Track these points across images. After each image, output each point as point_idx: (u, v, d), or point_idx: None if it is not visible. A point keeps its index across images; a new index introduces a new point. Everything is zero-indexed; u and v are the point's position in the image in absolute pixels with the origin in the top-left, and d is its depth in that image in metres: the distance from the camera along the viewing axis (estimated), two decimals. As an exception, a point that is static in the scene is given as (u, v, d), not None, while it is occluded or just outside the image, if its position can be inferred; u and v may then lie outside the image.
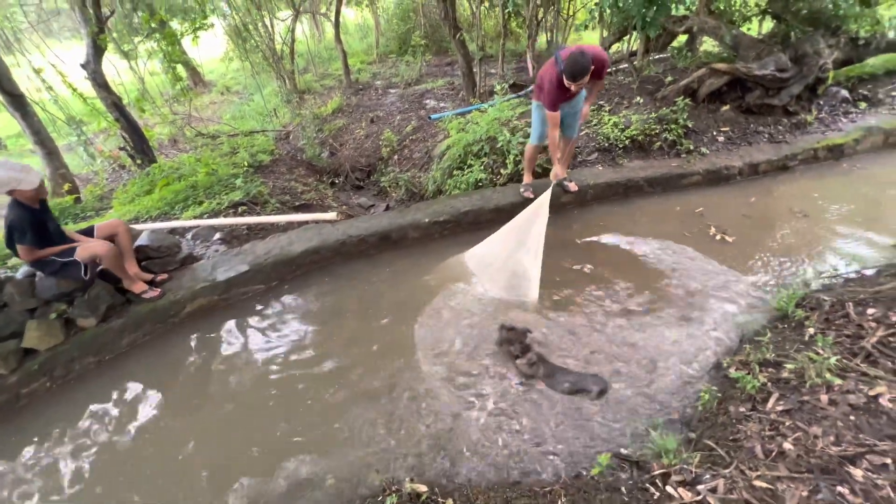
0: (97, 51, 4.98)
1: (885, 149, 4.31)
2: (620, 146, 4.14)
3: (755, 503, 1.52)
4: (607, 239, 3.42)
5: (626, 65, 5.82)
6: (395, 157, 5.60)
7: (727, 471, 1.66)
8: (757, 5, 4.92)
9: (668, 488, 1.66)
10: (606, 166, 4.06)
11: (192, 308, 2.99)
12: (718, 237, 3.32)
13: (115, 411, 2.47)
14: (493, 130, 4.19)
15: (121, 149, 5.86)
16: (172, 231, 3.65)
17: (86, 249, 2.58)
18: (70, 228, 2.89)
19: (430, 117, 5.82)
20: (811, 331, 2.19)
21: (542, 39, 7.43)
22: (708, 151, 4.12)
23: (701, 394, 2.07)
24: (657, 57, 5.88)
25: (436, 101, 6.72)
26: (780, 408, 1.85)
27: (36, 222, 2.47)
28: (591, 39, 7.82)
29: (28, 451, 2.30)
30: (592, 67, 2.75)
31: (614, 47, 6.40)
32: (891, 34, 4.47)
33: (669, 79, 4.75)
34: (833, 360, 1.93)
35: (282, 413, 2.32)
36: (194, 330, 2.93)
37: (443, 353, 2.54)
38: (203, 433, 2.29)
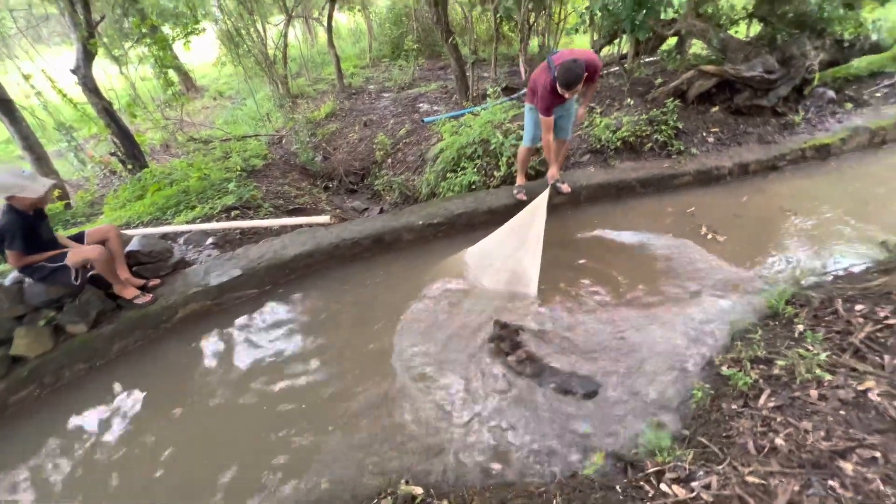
0: (87, 56, 4.95)
1: (870, 148, 4.38)
2: (612, 147, 4.17)
3: (748, 499, 1.53)
4: (600, 239, 3.45)
5: (617, 67, 5.89)
6: (389, 160, 5.60)
7: (720, 467, 1.67)
8: (744, 9, 4.99)
9: (663, 486, 1.67)
10: (598, 167, 4.09)
11: (185, 313, 2.97)
12: (710, 236, 3.36)
13: (105, 419, 2.44)
14: (486, 133, 4.21)
15: (112, 154, 5.81)
16: (164, 236, 3.63)
17: (77, 254, 2.56)
18: (60, 234, 2.86)
19: (423, 120, 5.84)
20: (801, 327, 2.22)
21: (534, 43, 7.49)
22: (698, 152, 4.16)
23: (694, 391, 2.08)
24: (647, 60, 5.95)
25: (429, 104, 6.75)
26: (771, 404, 1.87)
27: (27, 228, 2.44)
28: (581, 42, 7.89)
29: (15, 460, 2.26)
30: (585, 74, 2.78)
31: (605, 50, 6.47)
32: (874, 36, 4.56)
33: (659, 81, 4.81)
34: (823, 356, 1.95)
35: (276, 417, 2.31)
36: (187, 335, 2.91)
37: (437, 354, 2.54)
38: (196, 439, 2.27)
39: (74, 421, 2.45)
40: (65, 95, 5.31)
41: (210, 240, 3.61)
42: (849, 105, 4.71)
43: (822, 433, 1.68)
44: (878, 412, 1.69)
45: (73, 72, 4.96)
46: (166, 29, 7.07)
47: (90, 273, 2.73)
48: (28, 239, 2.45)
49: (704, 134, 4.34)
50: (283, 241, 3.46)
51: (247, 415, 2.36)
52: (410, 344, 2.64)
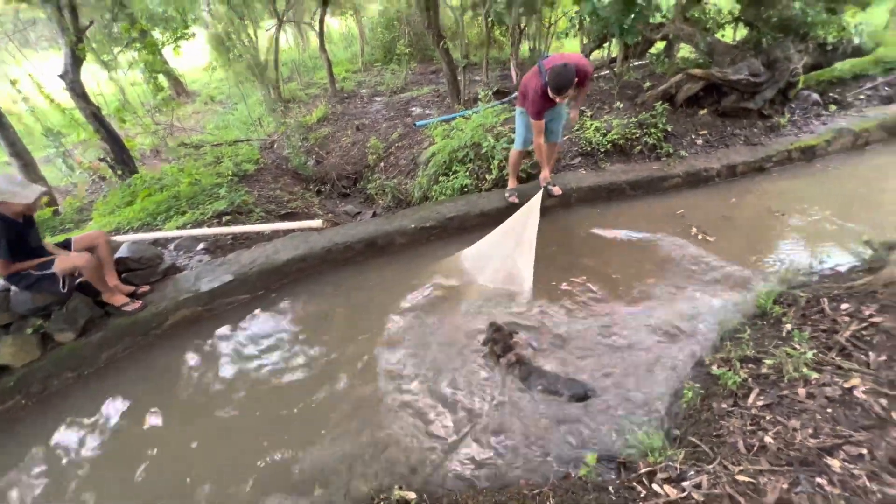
0: (75, 61, 4.91)
1: (854, 149, 4.47)
2: (602, 150, 4.21)
3: (738, 497, 1.54)
4: (592, 241, 3.48)
5: (607, 71, 5.95)
6: (382, 164, 5.60)
7: (711, 466, 1.68)
8: (730, 13, 5.08)
9: (654, 486, 1.68)
10: (589, 170, 4.13)
11: (175, 320, 2.94)
12: (700, 237, 3.40)
13: (93, 428, 2.40)
14: (478, 137, 4.24)
15: (101, 160, 5.76)
16: (155, 242, 3.60)
17: (65, 261, 2.53)
18: (47, 242, 2.82)
19: (415, 124, 5.85)
20: (788, 326, 2.25)
21: (524, 47, 7.55)
22: (687, 154, 4.22)
23: (685, 391, 2.10)
24: (637, 63, 6.02)
25: (421, 108, 6.76)
26: (760, 403, 1.89)
27: (13, 236, 2.41)
28: (572, 46, 7.97)
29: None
30: (576, 79, 2.81)
31: (595, 54, 6.53)
32: (856, 40, 4.65)
33: (648, 84, 4.87)
34: (809, 354, 1.98)
35: (267, 423, 2.29)
36: (177, 342, 2.88)
37: (430, 357, 2.54)
38: (187, 446, 2.24)
39: (62, 431, 2.41)
40: (52, 101, 5.25)
41: (201, 245, 3.59)
42: (833, 107, 4.80)
43: (810, 431, 1.70)
44: (864, 409, 1.71)
45: (61, 77, 4.92)
46: (156, 34, 7.05)
47: (78, 280, 2.70)
48: (14, 247, 2.42)
49: (693, 136, 4.40)
50: (276, 246, 3.44)
51: (238, 421, 2.34)
52: (404, 348, 2.63)
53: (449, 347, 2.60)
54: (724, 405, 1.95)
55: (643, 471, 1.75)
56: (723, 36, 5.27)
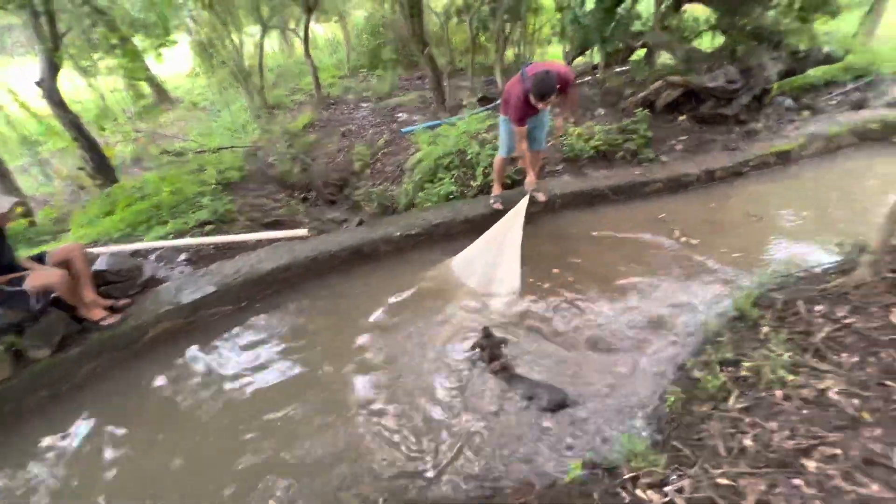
0: (52, 68, 4.81)
1: (827, 153, 4.61)
2: (585, 156, 4.28)
3: (719, 501, 1.57)
4: (577, 246, 3.52)
5: (590, 77, 6.05)
6: (368, 170, 5.59)
7: (692, 470, 1.71)
8: (707, 22, 5.22)
9: (638, 491, 1.69)
10: (573, 176, 4.18)
11: (156, 333, 2.88)
12: (683, 240, 3.46)
13: (69, 447, 2.33)
14: (463, 143, 4.26)
15: (80, 168, 5.64)
16: (135, 253, 3.53)
17: (36, 278, 2.46)
18: (22, 255, 2.75)
19: (401, 131, 5.86)
20: (766, 329, 2.30)
21: (509, 53, 7.63)
22: (667, 160, 4.31)
23: (667, 395, 2.13)
24: (619, 69, 6.14)
25: (407, 114, 6.77)
26: (739, 405, 1.93)
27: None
28: (555, 52, 8.08)
29: (-28, 496, 2.15)
30: (558, 86, 2.85)
31: (578, 60, 6.64)
32: (826, 48, 4.82)
33: (629, 91, 4.97)
34: (786, 356, 2.02)
35: (252, 438, 2.25)
36: (158, 356, 2.82)
37: (417, 365, 2.53)
38: (169, 463, 2.19)
39: (36, 451, 2.33)
40: (28, 109, 5.13)
41: (183, 256, 3.53)
42: (806, 113, 4.95)
43: (787, 432, 1.74)
44: (838, 410, 1.76)
45: (38, 84, 4.81)
46: (137, 41, 6.94)
47: (53, 295, 2.62)
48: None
49: (673, 142, 4.50)
50: (260, 256, 3.41)
51: (222, 435, 2.30)
52: (390, 356, 2.62)
53: (435, 354, 2.60)
54: (704, 408, 1.99)
55: (627, 476, 1.77)
56: (700, 44, 5.41)
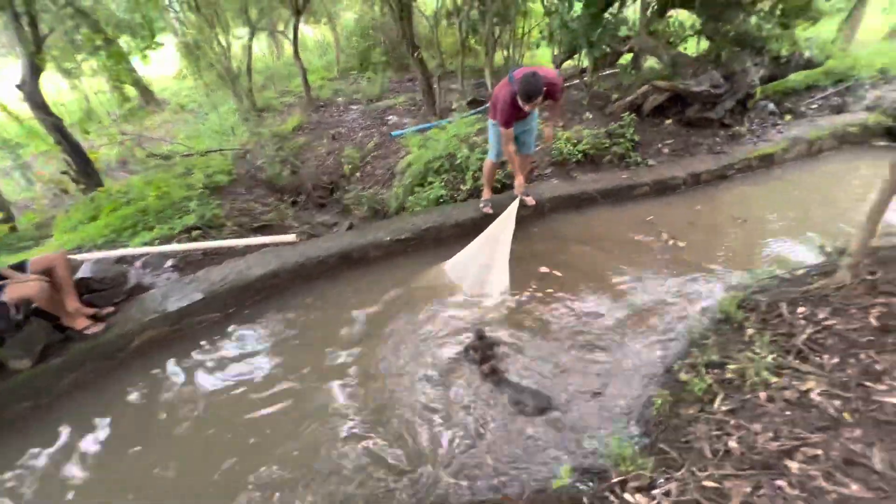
0: (34, 70, 4.72)
1: (809, 157, 4.72)
2: (573, 160, 4.32)
3: (704, 503, 1.59)
4: (567, 249, 3.54)
5: (578, 81, 6.11)
6: (358, 174, 5.57)
7: (679, 473, 1.73)
8: (692, 27, 5.30)
9: (626, 495, 1.71)
10: (562, 180, 4.22)
11: (141, 341, 2.83)
12: (671, 243, 3.51)
13: (51, 460, 2.28)
14: (453, 147, 4.27)
15: (63, 173, 5.53)
16: (120, 260, 3.47)
17: (14, 291, 2.39)
18: (2, 262, 2.69)
19: (391, 135, 5.85)
20: (750, 331, 2.34)
21: (499, 56, 7.67)
22: (654, 163, 4.36)
23: (655, 398, 2.16)
24: (607, 73, 6.21)
25: (398, 117, 6.77)
26: (725, 407, 1.96)
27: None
28: (544, 55, 8.15)
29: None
30: (545, 89, 2.87)
31: (566, 64, 6.70)
32: (807, 53, 4.93)
33: (616, 95, 5.03)
34: (770, 358, 2.06)
35: (240, 448, 2.23)
36: (144, 365, 2.77)
37: (407, 371, 2.52)
38: (153, 475, 2.16)
39: (15, 465, 2.27)
40: (8, 111, 5.02)
41: (169, 262, 3.48)
42: (788, 117, 5.06)
43: (771, 434, 1.77)
44: (820, 411, 1.80)
45: (19, 87, 4.71)
46: (122, 42, 6.84)
47: (35, 305, 2.57)
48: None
49: (659, 145, 4.56)
50: (248, 262, 3.37)
51: (209, 446, 2.27)
52: (380, 362, 2.61)
53: (426, 359, 2.59)
54: (691, 411, 2.02)
55: (615, 480, 1.79)
56: (685, 49, 5.50)
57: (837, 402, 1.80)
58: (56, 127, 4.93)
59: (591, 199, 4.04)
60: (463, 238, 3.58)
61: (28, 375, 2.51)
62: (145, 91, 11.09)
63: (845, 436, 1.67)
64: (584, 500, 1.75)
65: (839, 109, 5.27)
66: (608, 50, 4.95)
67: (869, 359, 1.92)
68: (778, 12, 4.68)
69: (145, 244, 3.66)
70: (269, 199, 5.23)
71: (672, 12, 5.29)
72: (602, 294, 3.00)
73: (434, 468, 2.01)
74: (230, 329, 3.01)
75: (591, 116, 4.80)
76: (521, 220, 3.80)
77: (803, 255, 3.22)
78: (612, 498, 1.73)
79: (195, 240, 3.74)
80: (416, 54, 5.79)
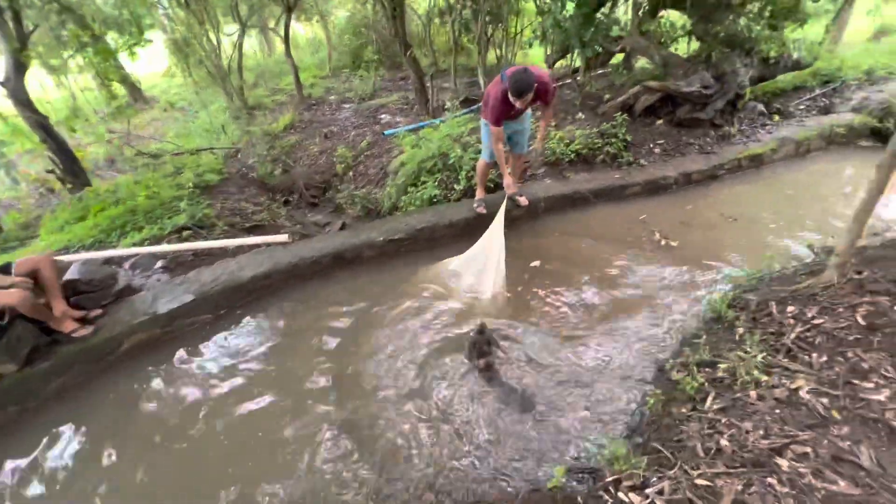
0: (19, 67, 4.62)
1: (797, 157, 4.79)
2: (566, 160, 4.33)
3: (697, 501, 1.61)
4: (560, 249, 3.55)
5: (570, 80, 6.13)
6: (351, 173, 5.55)
7: (672, 472, 1.74)
8: (683, 27, 5.35)
9: (620, 494, 1.72)
10: (555, 180, 4.23)
11: (131, 344, 2.79)
12: (663, 242, 3.54)
13: (37, 465, 2.24)
14: (446, 147, 4.27)
15: (49, 171, 5.42)
16: (108, 261, 3.41)
17: (-7, 299, 2.34)
18: (-16, 265, 2.62)
19: (383, 133, 5.83)
20: (741, 330, 2.37)
21: (492, 55, 7.67)
22: (646, 163, 4.40)
23: (648, 398, 2.18)
24: (599, 72, 6.24)
25: (390, 115, 6.75)
26: (716, 406, 1.98)
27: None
28: (537, 54, 8.16)
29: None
30: (536, 85, 2.86)
31: (558, 64, 6.72)
32: (795, 54, 5.00)
33: (608, 96, 5.05)
34: (760, 357, 2.09)
35: (232, 453, 2.20)
36: (134, 368, 2.73)
37: (401, 373, 2.52)
38: (143, 481, 2.13)
39: (1, 470, 2.23)
40: (-9, 110, 4.91)
41: (159, 263, 3.43)
42: (777, 117, 5.13)
43: (761, 432, 1.79)
44: (808, 409, 1.83)
45: (3, 84, 4.61)
46: (110, 39, 6.72)
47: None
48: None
49: (651, 145, 4.60)
50: (240, 262, 3.34)
51: (200, 451, 2.24)
52: (373, 363, 2.60)
53: (420, 359, 2.58)
54: (683, 410, 2.04)
55: (609, 479, 1.80)
56: (676, 49, 5.54)
57: (826, 400, 1.83)
58: (41, 125, 4.84)
59: (585, 198, 4.06)
60: (457, 238, 3.59)
61: (14, 380, 2.46)
62: (133, 88, 10.93)
63: (834, 433, 1.70)
64: (579, 499, 1.76)
65: (826, 110, 5.35)
66: (600, 50, 4.97)
67: (856, 357, 1.95)
68: (767, 14, 4.74)
69: (135, 245, 3.61)
70: (261, 199, 5.18)
71: (663, 13, 5.33)
72: (594, 293, 3.02)
73: (425, 470, 2.01)
74: (222, 331, 2.98)
75: (583, 116, 4.83)
76: (515, 221, 3.83)
77: (792, 254, 3.26)
78: (606, 497, 1.74)
79: (186, 240, 3.69)
80: (408, 53, 5.77)
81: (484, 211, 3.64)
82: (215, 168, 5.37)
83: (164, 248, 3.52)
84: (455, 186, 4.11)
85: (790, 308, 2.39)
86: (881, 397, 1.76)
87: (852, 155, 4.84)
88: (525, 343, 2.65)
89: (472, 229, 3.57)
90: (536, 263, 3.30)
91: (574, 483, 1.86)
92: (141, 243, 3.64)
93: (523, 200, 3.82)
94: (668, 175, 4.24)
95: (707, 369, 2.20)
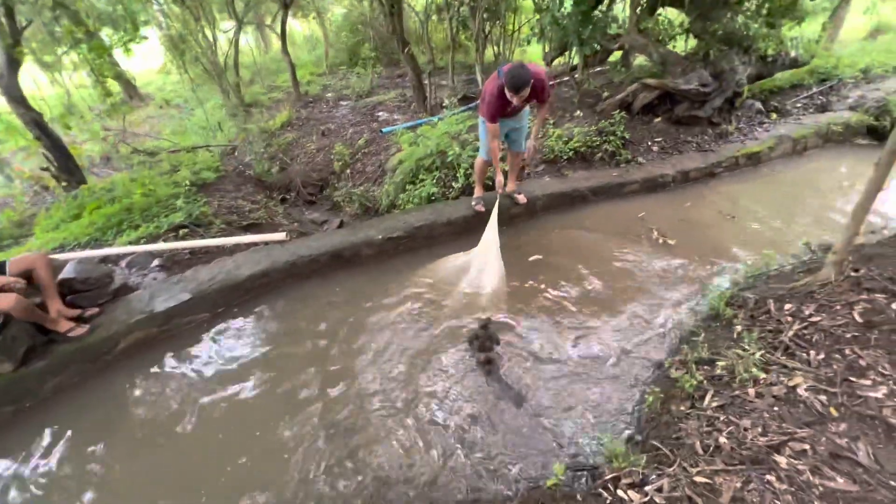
0: (12, 63, 4.56)
1: (794, 155, 4.80)
2: (565, 158, 4.33)
3: (696, 499, 1.61)
4: (559, 247, 3.55)
5: (568, 78, 6.12)
6: (348, 171, 5.52)
7: (671, 469, 1.75)
8: (680, 25, 5.34)
9: (619, 492, 1.73)
10: (553, 177, 4.22)
11: (128, 343, 2.77)
12: (661, 241, 3.54)
13: (34, 467, 2.22)
14: (444, 144, 4.25)
15: (43, 169, 5.37)
16: (104, 259, 3.39)
17: (-14, 303, 2.31)
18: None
19: (381, 131, 5.80)
20: (739, 328, 2.38)
21: (489, 52, 7.65)
22: (644, 161, 4.40)
23: (646, 395, 2.18)
24: (597, 70, 6.23)
25: (388, 113, 6.72)
26: (715, 404, 1.99)
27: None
28: (535, 52, 8.14)
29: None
30: (532, 80, 2.84)
31: (557, 61, 6.70)
32: (793, 52, 5.01)
33: (606, 94, 5.05)
34: (758, 355, 2.10)
35: (229, 453, 2.19)
36: (131, 367, 2.71)
37: (400, 371, 2.51)
38: (141, 481, 2.12)
39: (-1, 471, 2.22)
40: (-16, 107, 4.85)
41: (156, 262, 3.41)
42: (774, 115, 5.14)
43: (760, 429, 1.80)
44: (806, 406, 1.84)
45: (-5, 81, 4.55)
46: (105, 35, 6.65)
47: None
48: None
49: (649, 143, 4.60)
50: (237, 261, 3.32)
51: (197, 450, 2.23)
52: (372, 362, 2.60)
53: (419, 359, 2.58)
54: (682, 407, 2.04)
55: (608, 477, 1.80)
56: (674, 47, 5.53)
57: (823, 398, 1.84)
58: (35, 122, 4.78)
59: (583, 196, 4.06)
60: (455, 236, 3.59)
61: (10, 379, 2.44)
62: (129, 85, 10.83)
63: (831, 430, 1.71)
64: (578, 497, 1.77)
65: (823, 108, 5.37)
66: (598, 47, 4.96)
67: (853, 354, 1.96)
68: (764, 11, 4.74)
69: (131, 243, 3.58)
70: (258, 197, 5.15)
71: (661, 10, 5.32)
72: (592, 290, 3.02)
73: (424, 469, 2.01)
74: (219, 330, 2.96)
75: (581, 114, 4.82)
76: (514, 219, 3.83)
77: (790, 251, 3.27)
78: (605, 495, 1.75)
79: (182, 238, 3.67)
80: (406, 50, 5.74)
81: (482, 209, 3.64)
82: (212, 166, 5.33)
83: (161, 246, 3.49)
84: (453, 184, 4.10)
85: (788, 306, 2.40)
86: (878, 394, 1.77)
87: (849, 153, 4.86)
88: (524, 340, 2.65)
89: (470, 227, 3.56)
90: (538, 256, 3.31)
91: (574, 480, 1.86)
92: (137, 242, 3.61)
93: (521, 198, 3.81)
94: (667, 173, 4.24)
95: (706, 367, 2.21)
